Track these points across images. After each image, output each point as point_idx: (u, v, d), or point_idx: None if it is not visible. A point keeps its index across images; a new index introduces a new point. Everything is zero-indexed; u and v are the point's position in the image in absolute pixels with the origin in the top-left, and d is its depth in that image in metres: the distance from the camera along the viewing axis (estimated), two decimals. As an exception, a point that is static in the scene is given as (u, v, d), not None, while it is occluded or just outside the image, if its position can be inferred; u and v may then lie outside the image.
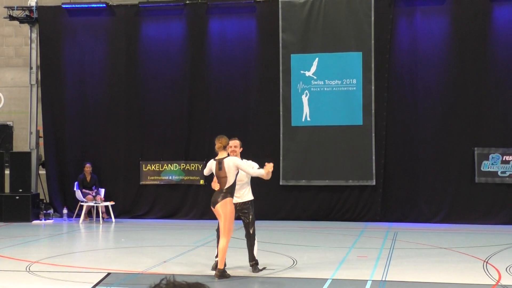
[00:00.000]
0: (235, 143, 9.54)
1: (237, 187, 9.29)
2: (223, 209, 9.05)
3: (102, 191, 16.85)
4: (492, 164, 15.56)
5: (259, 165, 9.65)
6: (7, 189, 16.74)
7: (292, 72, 16.35)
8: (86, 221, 16.35)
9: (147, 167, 16.98)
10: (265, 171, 9.26)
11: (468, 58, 15.71)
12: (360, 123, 16.04)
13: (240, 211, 9.50)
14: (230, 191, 9.13)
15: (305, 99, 16.31)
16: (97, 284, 8.70)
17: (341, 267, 10.03)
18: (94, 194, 16.57)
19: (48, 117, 17.30)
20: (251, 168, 9.48)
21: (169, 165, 16.92)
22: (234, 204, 9.25)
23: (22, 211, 16.24)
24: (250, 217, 9.52)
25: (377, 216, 16.03)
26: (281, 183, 16.28)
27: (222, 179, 9.14)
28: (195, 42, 16.88)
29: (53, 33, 17.31)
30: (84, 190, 16.62)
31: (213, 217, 16.44)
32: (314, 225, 15.55)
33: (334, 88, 16.20)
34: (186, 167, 16.85)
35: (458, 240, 13.13)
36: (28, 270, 9.78)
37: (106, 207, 16.45)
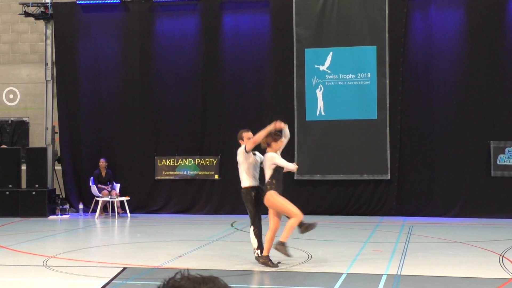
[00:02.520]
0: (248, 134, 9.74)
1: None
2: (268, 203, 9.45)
3: (118, 186, 16.94)
4: (509, 157, 15.46)
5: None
6: (23, 185, 16.86)
7: (306, 67, 16.32)
8: (102, 216, 16.45)
9: (162, 162, 17.03)
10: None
11: (483, 51, 15.60)
12: (374, 117, 15.99)
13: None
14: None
15: (319, 94, 16.29)
16: (113, 279, 8.76)
17: (356, 262, 10.03)
18: (109, 189, 16.66)
19: (63, 113, 17.40)
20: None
21: (184, 160, 16.97)
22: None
23: (39, 207, 16.36)
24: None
25: (392, 210, 15.99)
26: (295, 178, 16.26)
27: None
28: (208, 38, 16.89)
29: (68, 29, 17.40)
30: (99, 185, 16.71)
31: (227, 211, 16.59)
32: (328, 219, 15.53)
33: (348, 82, 16.16)
34: (201, 162, 16.89)
35: (473, 234, 13.07)
36: (45, 264, 9.87)
37: (122, 202, 16.53)
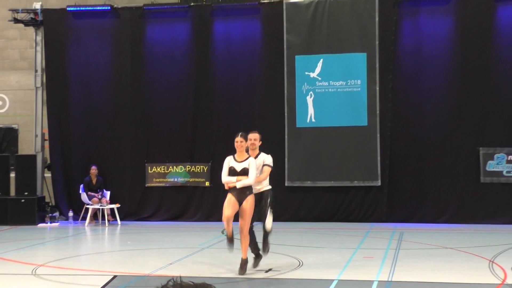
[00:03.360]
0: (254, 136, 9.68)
1: None
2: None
3: (108, 193, 16.88)
4: (498, 164, 15.53)
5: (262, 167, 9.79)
6: (12, 192, 16.77)
7: (296, 73, 16.36)
8: (92, 224, 16.38)
9: (153, 169, 17.00)
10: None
11: (473, 58, 15.69)
12: (365, 123, 16.04)
13: None
14: None
15: (309, 100, 16.32)
16: (103, 287, 8.71)
17: (347, 268, 10.03)
18: (99, 196, 16.60)
19: (53, 120, 17.34)
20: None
21: (174, 167, 16.94)
22: None
23: (28, 214, 16.27)
24: None
25: (383, 217, 16.02)
26: (286, 184, 16.29)
27: None
28: (199, 44, 16.90)
29: (58, 35, 17.35)
30: (89, 192, 16.64)
31: (218, 218, 16.54)
32: (319, 226, 15.55)
33: (338, 89, 16.20)
34: (192, 169, 16.86)
35: (463, 240, 13.11)
36: (34, 273, 9.80)
37: (112, 209, 16.48)
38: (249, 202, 9.25)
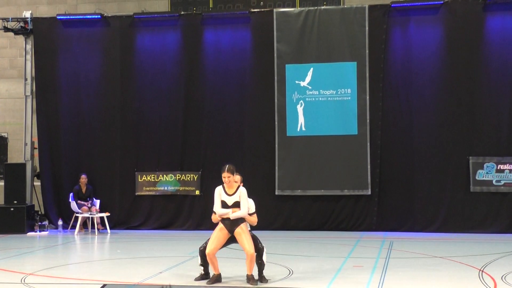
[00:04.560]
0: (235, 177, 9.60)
1: None
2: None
3: (98, 202, 16.82)
4: (487, 173, 15.60)
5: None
6: (1, 201, 16.71)
7: (287, 82, 16.39)
8: (82, 233, 16.31)
9: (143, 178, 16.96)
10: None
11: (462, 67, 15.78)
12: (355, 132, 16.08)
13: None
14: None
15: (300, 109, 16.35)
16: (92, 296, 8.66)
17: (337, 277, 10.02)
18: (89, 205, 16.55)
19: (43, 128, 17.27)
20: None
21: (164, 175, 16.91)
22: None
23: (17, 223, 16.19)
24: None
25: (373, 226, 16.04)
26: (276, 193, 16.30)
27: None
28: (190, 53, 16.91)
29: (48, 44, 17.31)
30: (79, 201, 16.58)
31: (208, 227, 16.54)
32: (309, 235, 15.54)
33: (329, 98, 16.24)
34: (182, 178, 16.84)
35: (453, 249, 13.14)
36: (23, 282, 9.75)
37: (102, 218, 16.42)
38: (242, 228, 9.38)
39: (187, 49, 16.94)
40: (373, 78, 16.07)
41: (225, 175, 9.34)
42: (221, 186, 9.48)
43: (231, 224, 9.38)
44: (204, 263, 9.67)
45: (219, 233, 9.41)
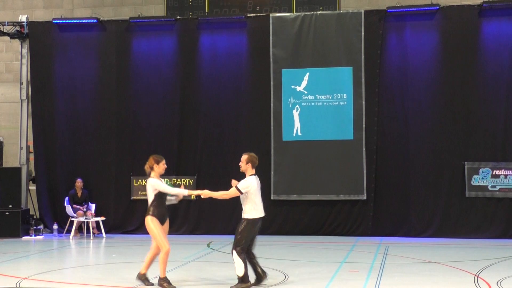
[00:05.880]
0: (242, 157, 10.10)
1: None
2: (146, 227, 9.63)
3: (93, 206, 16.79)
4: (482, 178, 15.62)
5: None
6: (-4, 205, 16.64)
7: (283, 87, 16.41)
8: (77, 237, 16.27)
9: (138, 182, 16.94)
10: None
11: (457, 73, 15.82)
12: (351, 137, 16.09)
13: None
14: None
15: (296, 114, 16.36)
16: (87, 300, 8.63)
17: (332, 282, 10.02)
18: (84, 209, 16.52)
19: (38, 133, 17.25)
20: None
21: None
22: None
23: (12, 227, 16.15)
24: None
25: (368, 231, 16.05)
26: (272, 198, 16.29)
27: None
28: (186, 58, 16.92)
29: (43, 48, 17.30)
30: (74, 205, 16.55)
31: (204, 232, 16.53)
32: (305, 239, 15.54)
33: (324, 103, 16.26)
34: (178, 182, 16.82)
35: (449, 254, 13.15)
36: (18, 286, 9.71)
37: (97, 222, 16.39)
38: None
39: (183, 53, 16.95)
40: (369, 83, 16.09)
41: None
42: None
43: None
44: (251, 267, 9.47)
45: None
